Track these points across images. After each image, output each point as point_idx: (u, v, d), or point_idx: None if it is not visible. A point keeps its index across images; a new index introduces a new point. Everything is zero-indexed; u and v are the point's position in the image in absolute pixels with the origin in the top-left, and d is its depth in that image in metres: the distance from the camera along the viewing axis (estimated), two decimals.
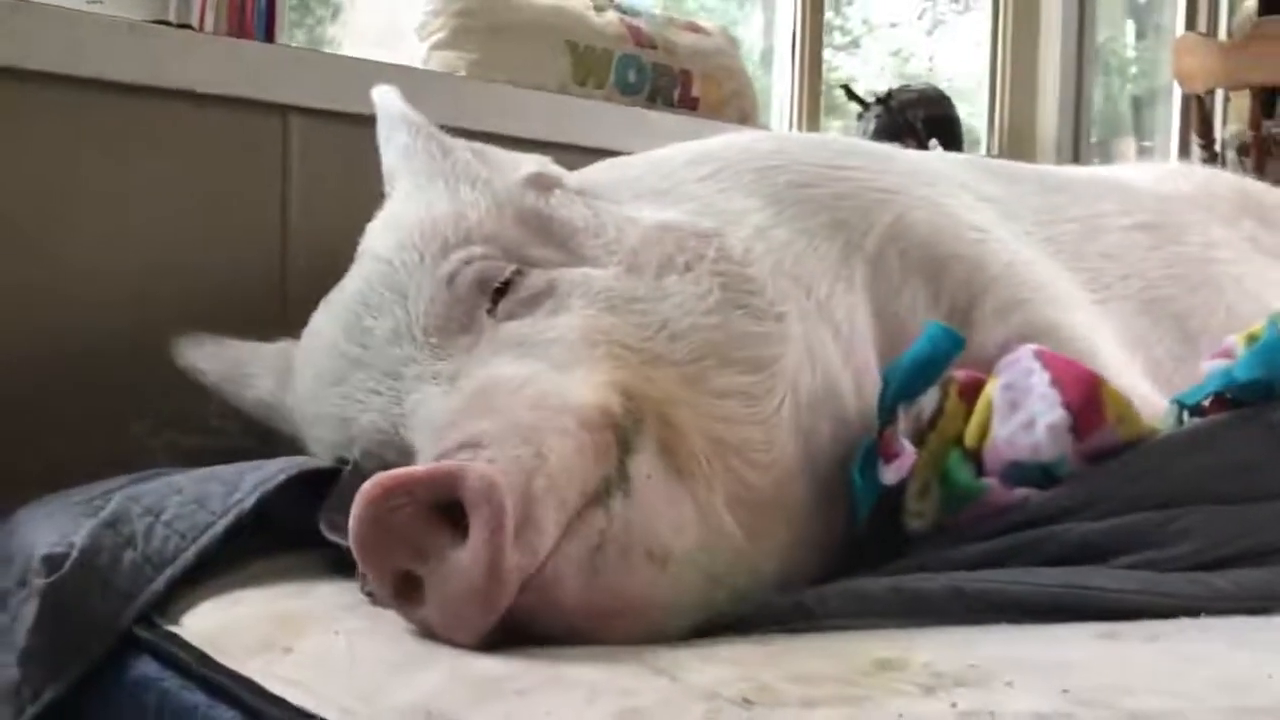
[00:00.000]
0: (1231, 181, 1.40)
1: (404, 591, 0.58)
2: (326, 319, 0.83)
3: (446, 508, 0.57)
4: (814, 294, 0.84)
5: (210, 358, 0.97)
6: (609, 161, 1.04)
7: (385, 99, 0.96)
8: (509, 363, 0.69)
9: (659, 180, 0.95)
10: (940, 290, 0.91)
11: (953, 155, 1.56)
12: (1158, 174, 1.37)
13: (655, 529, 0.60)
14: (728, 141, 1.03)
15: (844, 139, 1.06)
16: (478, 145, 0.93)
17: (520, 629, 0.58)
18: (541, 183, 0.87)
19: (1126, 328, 1.03)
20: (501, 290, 0.75)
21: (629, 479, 0.61)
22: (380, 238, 0.83)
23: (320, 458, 0.82)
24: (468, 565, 0.55)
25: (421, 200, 0.84)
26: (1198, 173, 1.42)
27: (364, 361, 0.76)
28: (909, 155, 1.10)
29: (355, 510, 0.57)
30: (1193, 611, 0.61)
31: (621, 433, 0.63)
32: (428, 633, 0.59)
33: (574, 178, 0.94)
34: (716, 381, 0.71)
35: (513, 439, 0.59)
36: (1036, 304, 0.93)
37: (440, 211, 0.82)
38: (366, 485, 0.57)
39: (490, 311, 0.74)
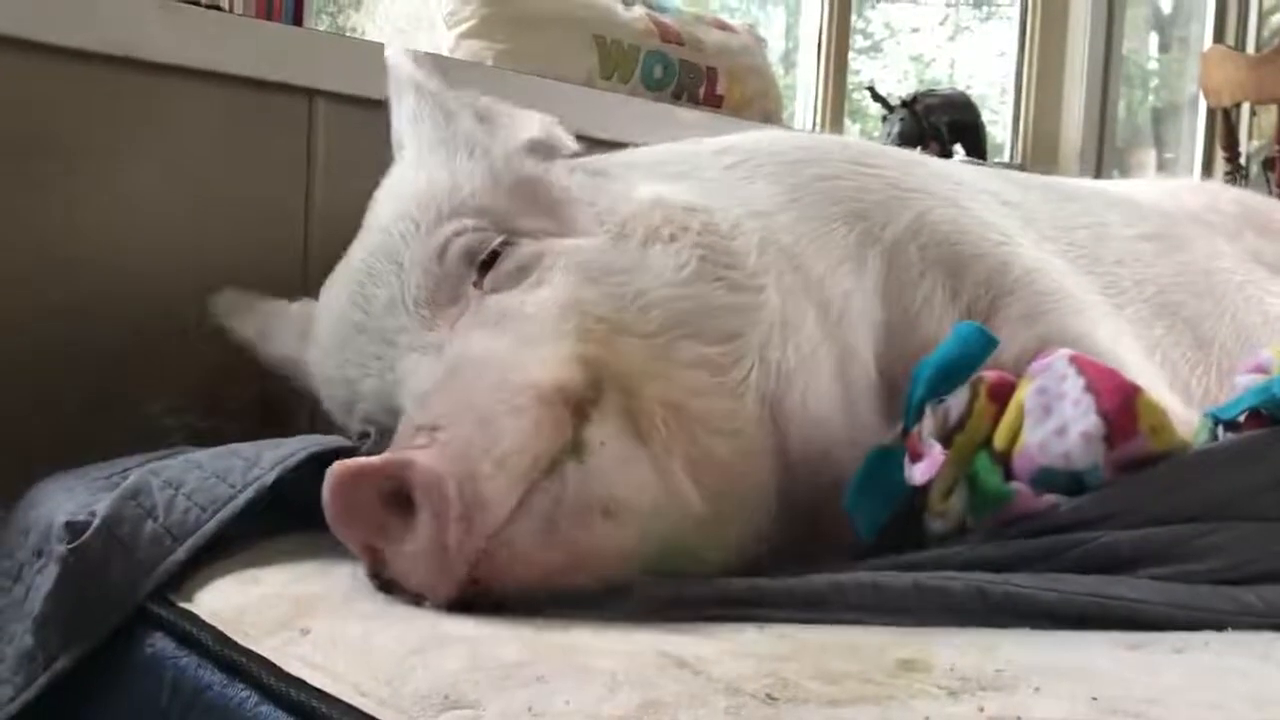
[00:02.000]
0: (1236, 196, 1.41)
1: (380, 558, 0.64)
2: (336, 284, 0.87)
3: (404, 492, 0.61)
4: (806, 270, 0.85)
5: (240, 315, 1.02)
6: (644, 148, 1.04)
7: (397, 61, 0.98)
8: (484, 339, 0.72)
9: (680, 164, 0.97)
10: (960, 288, 0.91)
11: (971, 164, 1.57)
12: (1165, 189, 1.39)
13: (610, 489, 0.64)
14: (760, 135, 1.05)
15: (873, 144, 1.07)
16: (485, 104, 0.94)
17: (490, 590, 0.62)
18: (543, 149, 0.90)
19: (1146, 332, 1.04)
20: (489, 262, 0.78)
21: (584, 447, 0.65)
22: (383, 207, 0.87)
23: (331, 414, 0.86)
24: (418, 549, 0.61)
25: (422, 170, 0.87)
26: (1204, 188, 1.45)
27: (366, 328, 0.80)
28: (935, 161, 1.11)
29: (325, 492, 0.62)
30: (1218, 625, 0.61)
31: (579, 404, 0.66)
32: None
33: (596, 158, 0.95)
34: (683, 353, 0.74)
35: (467, 422, 0.63)
36: (1061, 313, 0.93)
37: (437, 182, 0.85)
38: (331, 470, 0.62)
39: (476, 284, 0.78)
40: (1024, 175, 1.28)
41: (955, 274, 0.91)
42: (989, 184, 1.09)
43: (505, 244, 0.79)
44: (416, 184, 0.86)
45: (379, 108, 1.07)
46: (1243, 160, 3.05)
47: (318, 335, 0.88)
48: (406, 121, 0.93)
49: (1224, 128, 2.99)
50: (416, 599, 0.63)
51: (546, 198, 0.85)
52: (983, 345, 0.74)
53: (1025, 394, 0.70)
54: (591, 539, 0.63)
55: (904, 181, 0.97)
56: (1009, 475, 0.70)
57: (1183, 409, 0.89)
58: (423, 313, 0.78)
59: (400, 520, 0.62)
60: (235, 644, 0.63)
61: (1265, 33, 3.72)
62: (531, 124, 0.93)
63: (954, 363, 0.74)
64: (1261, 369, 0.79)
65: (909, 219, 0.93)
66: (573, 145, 0.93)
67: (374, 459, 0.63)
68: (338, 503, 0.62)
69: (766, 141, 1.01)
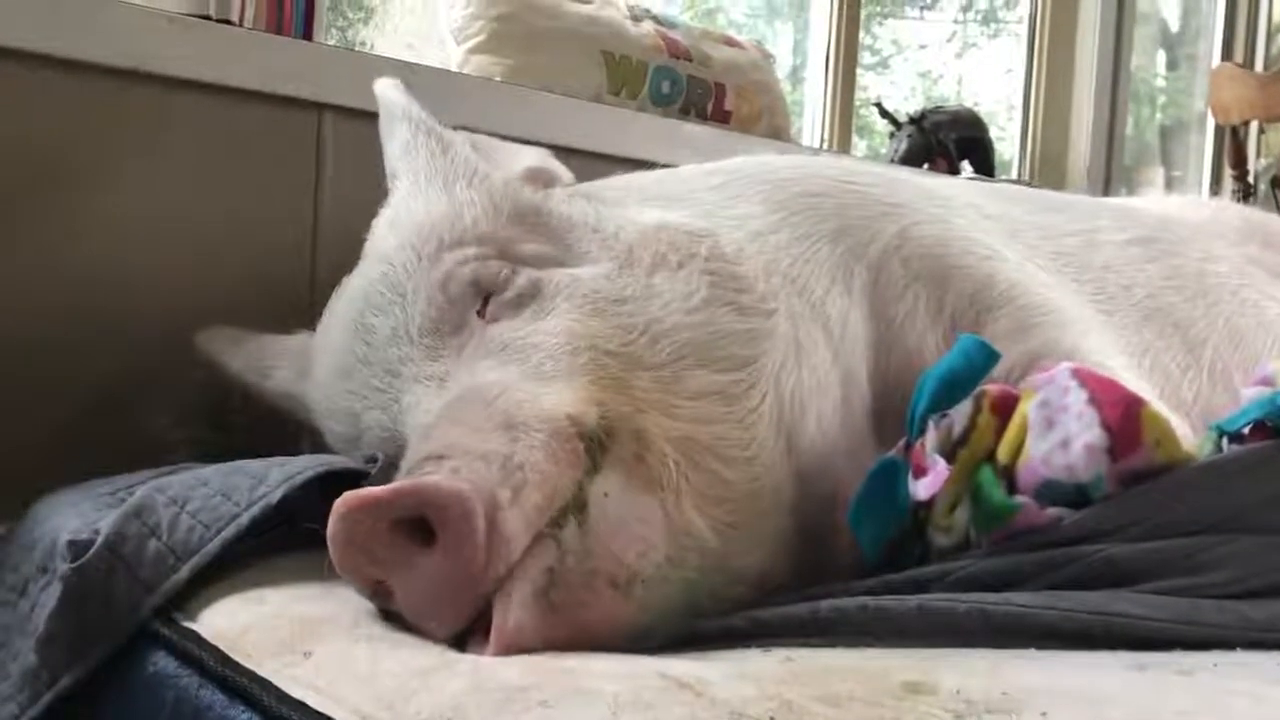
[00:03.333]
0: (1240, 211, 1.42)
1: (382, 593, 0.62)
2: (336, 315, 0.86)
3: (413, 521, 0.59)
4: (808, 294, 0.85)
5: (233, 349, 1.00)
6: (632, 174, 1.05)
7: (387, 92, 0.98)
8: (491, 368, 0.71)
9: (671, 188, 0.97)
10: (944, 300, 0.91)
11: (957, 179, 1.58)
12: (1166, 204, 1.40)
13: (616, 553, 0.61)
14: (747, 158, 1.05)
15: (859, 162, 1.08)
16: (478, 138, 0.95)
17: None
18: (540, 178, 0.90)
19: (1134, 337, 1.04)
20: (493, 290, 0.77)
21: (586, 505, 0.62)
22: (383, 238, 0.86)
23: (334, 449, 0.85)
24: (436, 570, 0.58)
25: (420, 200, 0.87)
26: (1207, 204, 1.46)
27: (369, 359, 0.79)
28: (921, 178, 1.11)
29: (329, 525, 0.60)
30: (1225, 643, 0.60)
31: (592, 446, 0.64)
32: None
33: (589, 184, 0.96)
34: (693, 383, 0.72)
35: (479, 450, 0.61)
36: (1049, 327, 0.92)
37: (437, 212, 0.84)
38: (337, 503, 0.60)
39: (480, 313, 0.77)
40: (1014, 189, 1.29)
41: (939, 286, 0.91)
42: (974, 198, 1.10)
43: (509, 272, 0.78)
44: (415, 214, 0.85)
45: None
46: (1251, 178, 3.04)
47: (318, 368, 0.87)
48: (401, 152, 0.93)
49: (1232, 145, 2.99)
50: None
51: (548, 224, 0.84)
52: (985, 358, 0.74)
53: (1028, 407, 0.70)
54: (597, 614, 0.61)
55: (888, 197, 0.97)
56: (1013, 489, 0.69)
57: (1175, 419, 0.89)
58: (426, 342, 0.77)
59: (412, 548, 0.59)
60: (237, 665, 0.63)
61: (1274, 50, 3.72)
62: (527, 154, 0.93)
63: (957, 376, 0.73)
64: (1267, 381, 0.79)
65: (893, 232, 0.93)
66: (569, 176, 0.93)
67: (383, 488, 0.61)
68: (343, 535, 0.60)
69: (754, 163, 1.01)
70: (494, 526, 0.58)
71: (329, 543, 0.60)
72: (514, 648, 0.59)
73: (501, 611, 0.59)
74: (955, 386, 0.73)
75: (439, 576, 0.58)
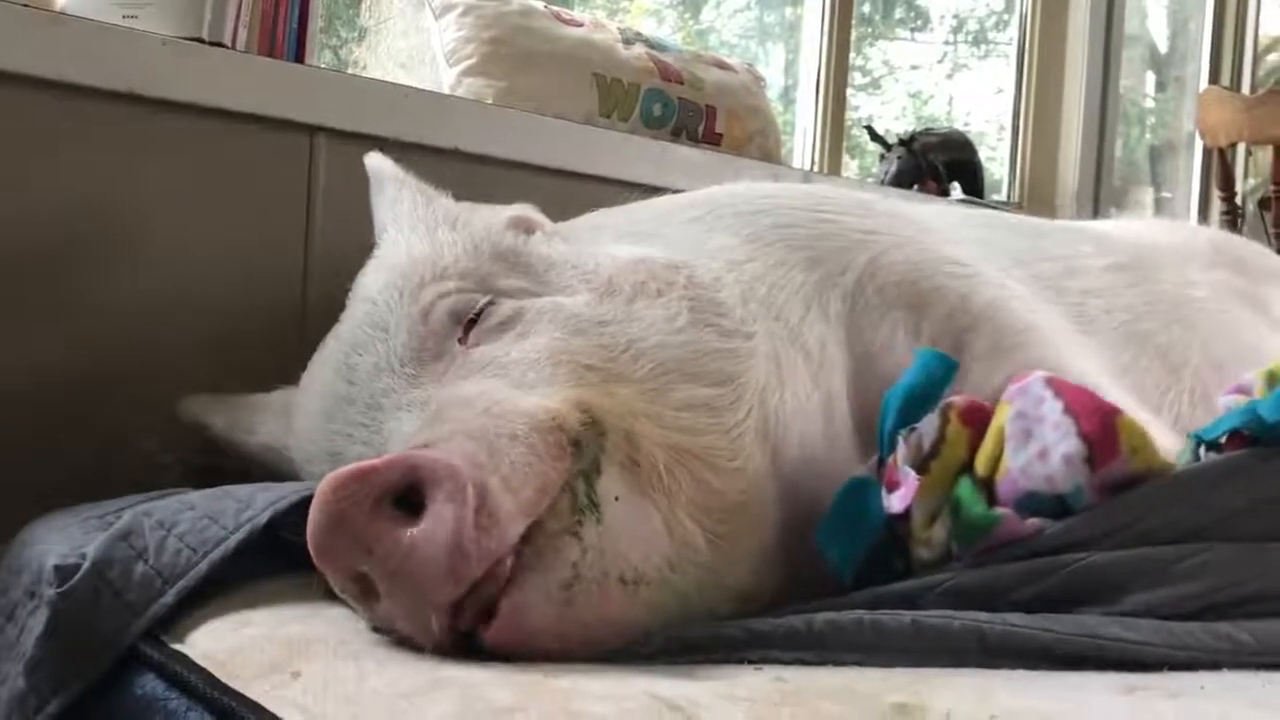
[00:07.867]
0: (1211, 235, 1.44)
1: (365, 592, 0.60)
2: (320, 361, 0.86)
3: (400, 503, 0.58)
4: (785, 320, 0.86)
5: (216, 410, 1.00)
6: (605, 209, 1.06)
7: (376, 163, 1.02)
8: (472, 383, 0.72)
9: (646, 223, 0.98)
10: (921, 323, 0.92)
11: (933, 204, 1.58)
12: (1139, 229, 1.42)
13: (626, 553, 0.62)
14: (720, 188, 1.06)
15: (834, 190, 1.08)
16: (463, 204, 0.97)
17: (491, 653, 0.60)
18: (522, 225, 0.91)
19: (1114, 358, 1.04)
20: (474, 320, 0.78)
21: (599, 505, 0.62)
22: (368, 281, 0.88)
23: None
24: (428, 536, 0.57)
25: (404, 245, 0.88)
26: (1179, 228, 1.49)
27: (351, 397, 0.79)
28: (895, 204, 1.11)
29: (312, 512, 0.59)
30: (1214, 665, 0.60)
31: (581, 445, 0.64)
32: (396, 636, 0.62)
33: (562, 224, 0.98)
34: (678, 395, 0.73)
35: (463, 440, 0.61)
36: (1031, 345, 0.93)
37: (419, 252, 0.86)
38: (323, 482, 0.59)
39: (462, 340, 0.78)
40: (993, 214, 1.30)
41: (916, 311, 0.92)
42: (952, 221, 1.11)
43: (489, 303, 0.79)
44: (399, 256, 0.87)
45: (380, 145, 1.08)
46: (1239, 199, 3.06)
47: (300, 415, 0.87)
48: (387, 208, 0.95)
49: (1220, 167, 3.01)
50: (407, 624, 0.60)
51: (528, 262, 0.86)
52: (945, 370, 0.75)
53: (1005, 419, 0.70)
54: (608, 611, 0.61)
55: (861, 225, 0.98)
56: (993, 501, 0.69)
57: (1164, 431, 0.89)
58: (409, 371, 0.77)
59: (398, 529, 0.58)
60: (225, 687, 0.63)
61: (1260, 72, 3.75)
62: (509, 208, 0.95)
63: (919, 390, 0.74)
64: (1243, 390, 0.79)
65: (865, 261, 0.94)
66: (550, 225, 0.94)
67: (372, 459, 0.60)
68: (325, 517, 0.58)
69: (726, 195, 1.02)
70: (484, 503, 0.58)
71: (310, 530, 0.59)
72: (521, 633, 0.59)
73: (512, 598, 0.59)
74: (919, 401, 0.73)
75: (428, 541, 0.57)
